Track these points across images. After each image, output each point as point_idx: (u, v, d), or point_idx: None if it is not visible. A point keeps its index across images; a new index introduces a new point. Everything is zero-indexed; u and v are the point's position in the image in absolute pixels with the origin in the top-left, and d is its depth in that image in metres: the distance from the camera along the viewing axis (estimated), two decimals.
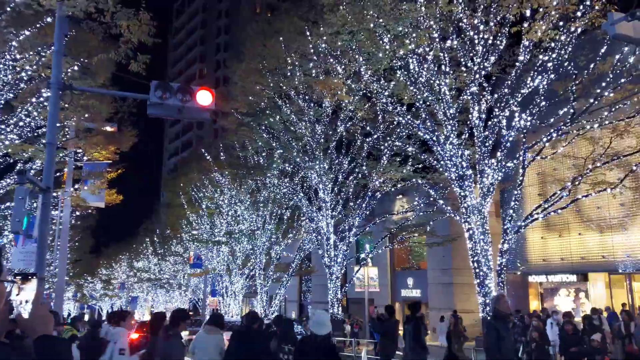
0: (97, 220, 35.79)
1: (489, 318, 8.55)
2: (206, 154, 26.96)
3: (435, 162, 15.60)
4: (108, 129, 16.55)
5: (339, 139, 19.60)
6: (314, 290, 37.38)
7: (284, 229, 26.65)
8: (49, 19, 10.11)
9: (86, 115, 15.03)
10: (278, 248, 27.16)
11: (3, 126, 12.12)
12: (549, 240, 21.55)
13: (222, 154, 26.20)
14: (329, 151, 19.45)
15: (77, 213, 17.76)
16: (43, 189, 7.81)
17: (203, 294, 36.15)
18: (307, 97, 18.59)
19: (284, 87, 17.95)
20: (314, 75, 16.97)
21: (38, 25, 9.99)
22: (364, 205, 19.52)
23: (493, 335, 5.80)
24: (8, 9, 9.64)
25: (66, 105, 13.24)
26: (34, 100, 11.45)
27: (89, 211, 19.64)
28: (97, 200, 16.47)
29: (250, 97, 18.54)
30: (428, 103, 14.47)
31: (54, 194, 17.63)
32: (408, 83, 14.11)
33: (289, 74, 17.31)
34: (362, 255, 22.36)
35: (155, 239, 45.44)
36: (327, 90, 16.43)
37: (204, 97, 8.72)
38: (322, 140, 19.21)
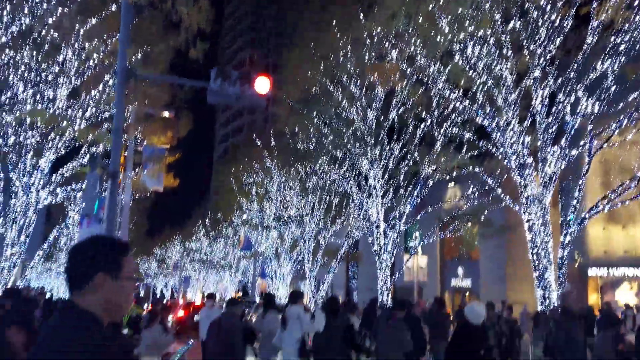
0: (153, 202, 37.14)
1: (557, 316, 8.21)
2: (257, 140, 27.29)
3: (493, 149, 15.10)
4: (166, 115, 17.02)
5: (390, 125, 19.30)
6: (360, 276, 37.45)
7: (332, 215, 26.71)
8: (113, 7, 10.40)
9: (146, 102, 15.47)
10: (326, 234, 27.28)
11: (70, 111, 12.67)
12: (611, 232, 20.54)
13: (272, 140, 26.45)
14: (380, 138, 19.21)
15: (137, 196, 18.44)
16: (111, 174, 8.10)
17: (252, 276, 36.95)
18: (359, 83, 18.37)
19: (336, 73, 17.80)
20: (367, 60, 16.73)
21: (103, 14, 10.30)
22: (415, 193, 19.21)
23: (562, 335, 5.56)
24: None
25: (127, 92, 13.69)
26: (100, 87, 11.88)
27: (147, 194, 20.34)
28: (156, 184, 16.99)
29: (302, 84, 18.52)
30: (487, 88, 13.97)
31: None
32: (467, 68, 13.66)
33: (341, 59, 17.15)
34: (412, 244, 22.10)
35: (207, 221, 46.75)
36: (380, 75, 16.17)
37: (262, 84, 8.74)
38: (373, 126, 18.99)
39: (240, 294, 51.97)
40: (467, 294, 28.19)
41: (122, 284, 1.77)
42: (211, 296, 11.39)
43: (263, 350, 8.22)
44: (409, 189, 19.53)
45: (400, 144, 19.25)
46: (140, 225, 42.38)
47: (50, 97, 12.78)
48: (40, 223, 26.63)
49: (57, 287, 40.22)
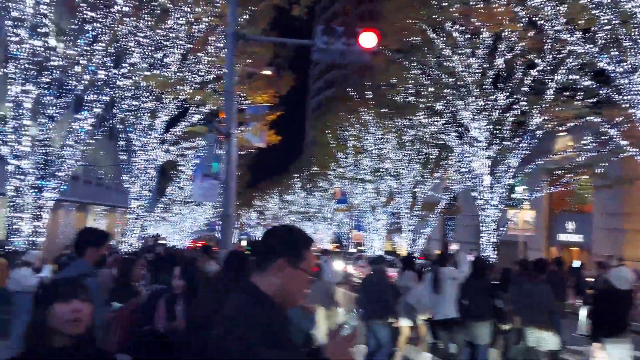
0: (254, 156, 38.68)
1: None
2: (353, 93, 27.01)
3: (615, 96, 13.69)
4: (267, 73, 17.33)
5: (496, 72, 18.11)
6: (457, 230, 36.73)
7: (431, 168, 26.14)
8: None
9: (249, 61, 15.83)
10: (424, 187, 26.86)
11: (181, 74, 13.32)
12: None
13: (368, 93, 26.06)
14: (484, 86, 18.13)
15: (242, 152, 19.27)
16: (226, 134, 8.48)
17: (348, 229, 37.71)
18: (463, 29, 17.31)
19: (439, 19, 16.86)
20: (472, 3, 15.64)
21: None
22: (522, 144, 18.12)
23: None
24: None
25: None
26: (209, 48, 12.30)
27: (250, 150, 21.18)
28: (259, 141, 17.56)
29: (401, 32, 17.80)
30: (611, 27, 12.51)
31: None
32: (589, 4, 12.28)
33: (445, 3, 16.17)
34: (517, 197, 21.09)
35: (302, 174, 48.00)
36: (488, 19, 15.08)
37: (368, 39, 8.56)
38: (478, 75, 17.94)
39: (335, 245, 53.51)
40: (577, 249, 26.64)
41: (299, 273, 1.84)
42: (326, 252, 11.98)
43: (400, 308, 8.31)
44: (515, 140, 18.47)
45: (507, 92, 18.06)
46: (241, 178, 44.54)
47: (162, 62, 13.49)
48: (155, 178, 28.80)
49: (171, 235, 43.79)
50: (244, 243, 69.83)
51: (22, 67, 8.51)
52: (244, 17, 10.98)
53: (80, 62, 8.70)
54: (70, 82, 9.01)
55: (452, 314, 7.04)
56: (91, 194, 27.15)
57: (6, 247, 8.69)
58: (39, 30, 8.55)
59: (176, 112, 17.08)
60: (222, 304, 1.80)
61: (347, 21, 69.41)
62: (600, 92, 14.56)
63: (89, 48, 8.68)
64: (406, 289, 7.97)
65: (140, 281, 6.04)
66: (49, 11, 8.64)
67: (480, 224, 18.60)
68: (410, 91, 21.40)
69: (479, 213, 18.64)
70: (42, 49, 8.74)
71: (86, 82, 9.30)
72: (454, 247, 37.26)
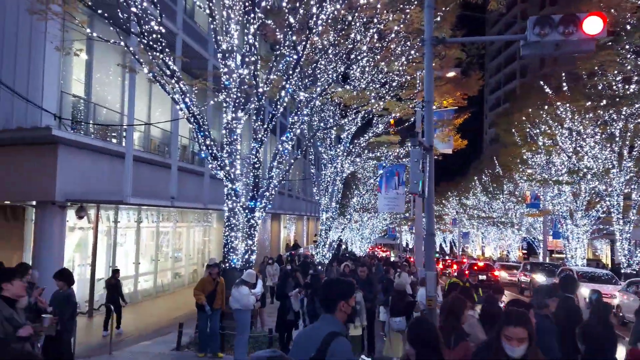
0: (435, 161, 37.57)
1: None
2: (545, 86, 24.33)
3: None
4: (452, 74, 16.41)
5: None
6: None
7: None
8: None
9: (437, 64, 15.13)
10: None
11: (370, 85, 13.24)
12: None
13: (564, 84, 23.17)
14: None
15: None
16: (427, 148, 7.94)
17: (543, 235, 34.18)
18: None
19: None
20: None
21: None
22: None
23: None
24: None
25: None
26: (403, 59, 11.99)
27: (437, 157, 20.35)
28: (446, 147, 16.77)
29: (612, 12, 15.28)
30: None
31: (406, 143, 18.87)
32: None
33: None
34: None
35: (482, 177, 45.20)
36: None
37: (594, 25, 7.33)
38: None
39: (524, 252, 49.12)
40: None
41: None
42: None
43: None
44: None
45: None
46: None
47: (352, 76, 13.58)
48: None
49: (350, 239, 44.91)
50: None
51: (234, 95, 9.16)
52: (437, 19, 10.35)
53: (285, 86, 9.01)
54: (273, 106, 9.44)
55: None
56: (282, 204, 29.15)
57: (224, 264, 9.42)
58: (246, 59, 9.10)
59: (360, 123, 17.19)
60: None
61: (524, 8, 63.78)
62: None
63: (291, 72, 8.94)
64: None
65: None
66: (255, 40, 9.15)
67: None
68: (618, 78, 18.38)
69: None
70: (248, 77, 9.32)
71: (286, 105, 9.67)
72: None
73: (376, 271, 17.37)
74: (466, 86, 15.16)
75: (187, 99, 8.83)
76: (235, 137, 9.21)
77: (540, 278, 21.86)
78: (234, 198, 9.28)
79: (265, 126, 9.17)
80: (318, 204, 17.87)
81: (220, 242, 20.37)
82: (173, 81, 8.71)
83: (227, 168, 9.11)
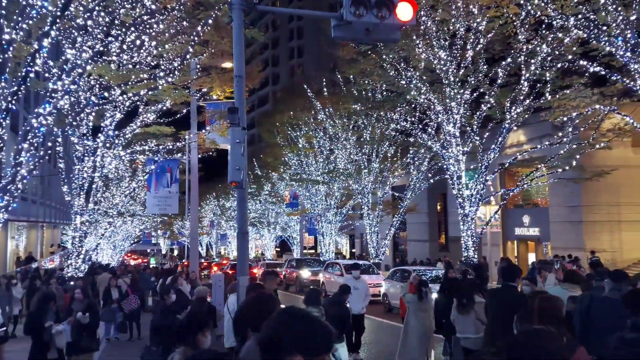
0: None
1: None
2: (307, 88, 25.46)
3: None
4: (227, 65, 15.40)
5: (466, 65, 17.38)
6: (410, 228, 36.32)
7: (394, 166, 25.31)
8: None
9: (212, 51, 13.90)
10: (384, 187, 25.92)
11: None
12: None
13: (325, 89, 24.74)
14: (457, 79, 17.33)
15: (199, 155, 17.05)
16: (244, 128, 6.65)
17: (299, 233, 36.13)
18: (436, 19, 16.44)
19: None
20: None
21: None
22: (499, 138, 17.61)
23: None
24: None
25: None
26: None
27: (208, 153, 19.01)
28: (226, 142, 15.60)
29: None
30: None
31: (179, 136, 16.98)
32: None
33: None
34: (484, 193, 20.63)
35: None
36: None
37: (406, 11, 7.17)
38: (451, 68, 17.14)
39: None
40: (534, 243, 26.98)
41: None
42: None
43: None
44: (486, 135, 17.95)
45: (471, 87, 17.25)
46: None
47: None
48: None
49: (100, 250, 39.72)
50: (175, 252, 65.80)
51: None
52: None
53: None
54: None
55: None
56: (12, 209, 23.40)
57: None
58: None
59: (125, 111, 14.69)
60: None
61: None
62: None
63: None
64: None
65: None
66: None
67: (461, 223, 17.81)
68: (378, 84, 20.25)
69: (459, 211, 17.85)
70: None
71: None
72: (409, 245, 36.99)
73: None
74: (247, 77, 14.30)
75: None
76: None
77: (306, 274, 22.62)
78: None
79: None
80: (69, 205, 14.54)
81: None
82: None
83: None
